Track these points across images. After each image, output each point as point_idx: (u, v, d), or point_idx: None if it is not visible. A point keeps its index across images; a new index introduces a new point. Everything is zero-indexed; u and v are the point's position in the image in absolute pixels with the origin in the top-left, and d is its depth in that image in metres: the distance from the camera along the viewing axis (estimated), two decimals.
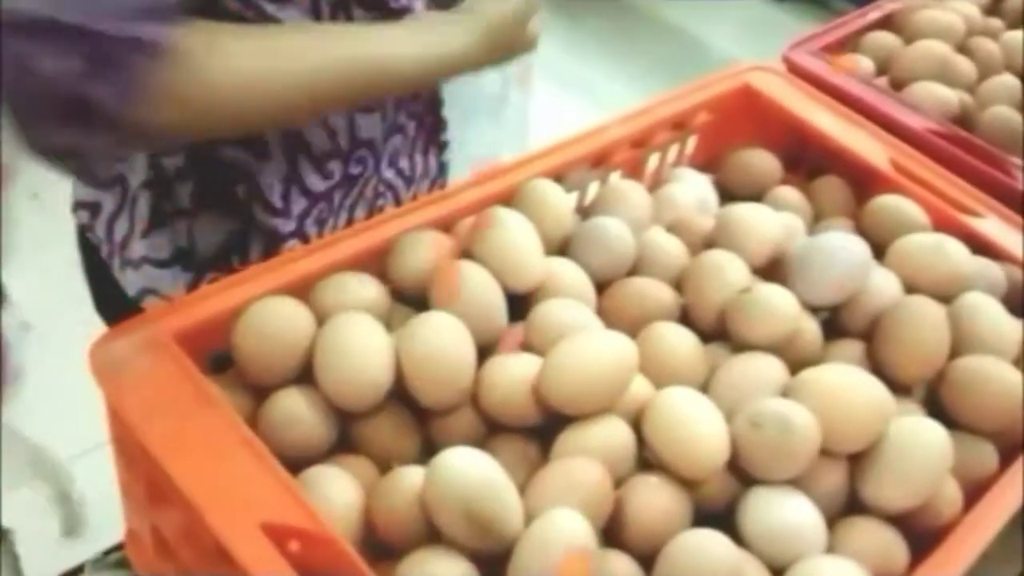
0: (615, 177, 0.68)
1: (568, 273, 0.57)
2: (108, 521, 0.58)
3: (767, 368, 0.53)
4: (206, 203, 0.63)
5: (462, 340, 0.50)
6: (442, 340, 0.50)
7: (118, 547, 0.59)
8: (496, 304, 0.54)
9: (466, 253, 0.56)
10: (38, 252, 1.70)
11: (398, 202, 0.72)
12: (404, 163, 0.71)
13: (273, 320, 0.49)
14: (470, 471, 0.43)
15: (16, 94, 0.41)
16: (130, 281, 0.67)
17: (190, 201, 0.63)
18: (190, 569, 0.46)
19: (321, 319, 0.50)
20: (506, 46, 0.59)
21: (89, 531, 0.59)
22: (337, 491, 0.45)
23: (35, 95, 0.41)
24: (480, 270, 0.54)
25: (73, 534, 0.58)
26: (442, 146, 0.75)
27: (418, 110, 0.70)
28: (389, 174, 0.70)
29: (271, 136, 0.61)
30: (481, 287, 0.53)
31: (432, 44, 0.55)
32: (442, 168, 0.76)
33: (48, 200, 1.90)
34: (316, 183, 0.64)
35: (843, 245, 0.59)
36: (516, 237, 0.55)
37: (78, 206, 0.69)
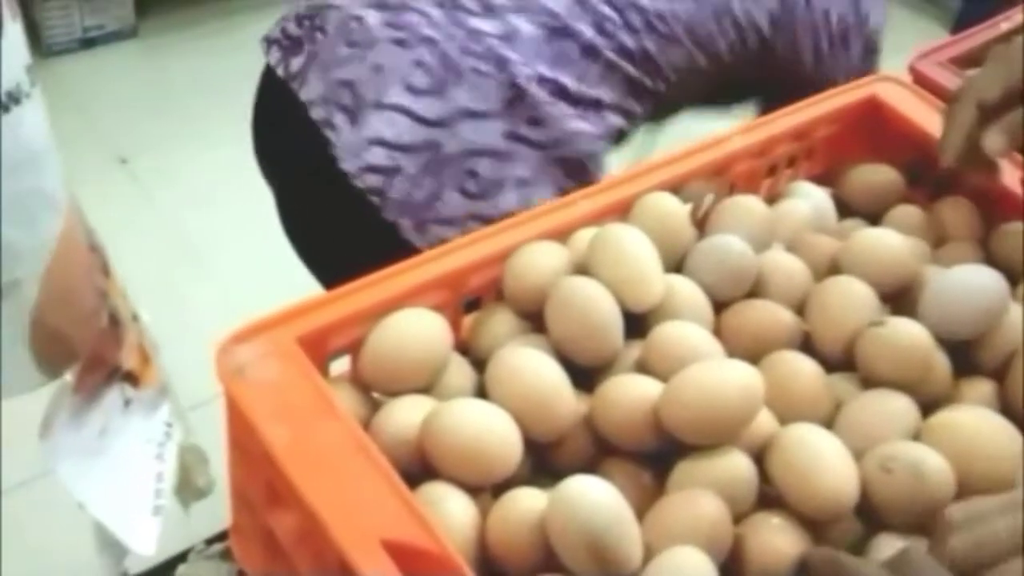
0: (732, 190, 0.65)
1: (687, 292, 0.55)
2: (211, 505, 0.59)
3: (898, 408, 0.50)
4: None
5: (551, 376, 0.48)
6: (531, 379, 0.48)
7: (220, 536, 0.60)
8: (613, 323, 0.52)
9: (582, 268, 0.55)
10: (130, 224, 1.75)
11: None
12: None
13: (410, 331, 0.48)
14: (597, 504, 0.42)
15: None
16: (424, 240, 0.75)
17: None
18: (302, 574, 0.46)
19: None
20: None
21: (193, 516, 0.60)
22: (455, 510, 0.45)
23: None
24: (597, 286, 0.52)
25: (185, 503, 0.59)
26: None
27: None
28: None
29: None
30: (597, 305, 0.52)
31: None
32: None
33: (137, 166, 1.96)
34: None
35: (982, 281, 0.55)
36: (636, 255, 0.54)
37: (373, 169, 0.75)
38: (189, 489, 0.49)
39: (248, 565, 0.53)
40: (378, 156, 0.73)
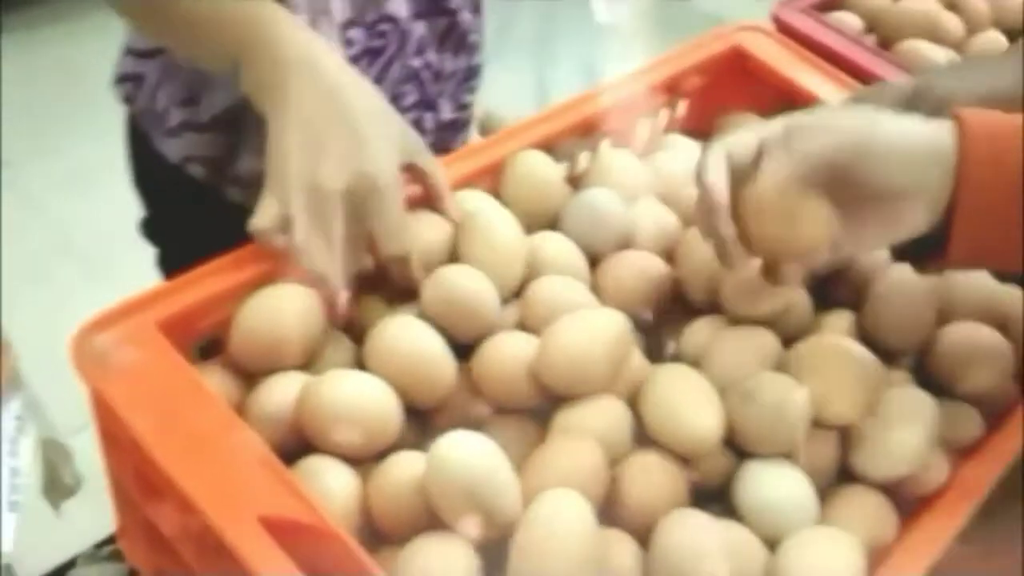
0: (606, 146, 0.66)
1: (561, 249, 0.56)
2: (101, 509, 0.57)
3: (761, 342, 0.52)
4: None
5: (428, 342, 0.49)
6: (408, 347, 0.48)
7: (110, 539, 0.58)
8: (490, 305, 0.52)
9: (454, 245, 0.54)
10: (14, 237, 1.65)
11: (422, 96, 0.72)
12: (432, 56, 0.71)
13: (278, 308, 0.47)
14: (472, 459, 0.42)
15: None
16: (172, 150, 0.71)
17: None
18: (188, 563, 0.46)
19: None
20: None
21: (81, 520, 0.58)
22: (334, 480, 0.45)
23: None
24: (471, 273, 0.52)
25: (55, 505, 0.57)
26: (472, 47, 0.75)
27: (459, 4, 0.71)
28: (415, 62, 0.70)
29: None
30: (474, 294, 0.51)
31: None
32: (472, 71, 0.77)
33: (18, 173, 1.84)
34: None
35: None
36: (495, 234, 0.54)
37: (122, 79, 0.73)
38: (57, 488, 0.47)
39: (138, 562, 0.52)
40: (127, 64, 0.73)
